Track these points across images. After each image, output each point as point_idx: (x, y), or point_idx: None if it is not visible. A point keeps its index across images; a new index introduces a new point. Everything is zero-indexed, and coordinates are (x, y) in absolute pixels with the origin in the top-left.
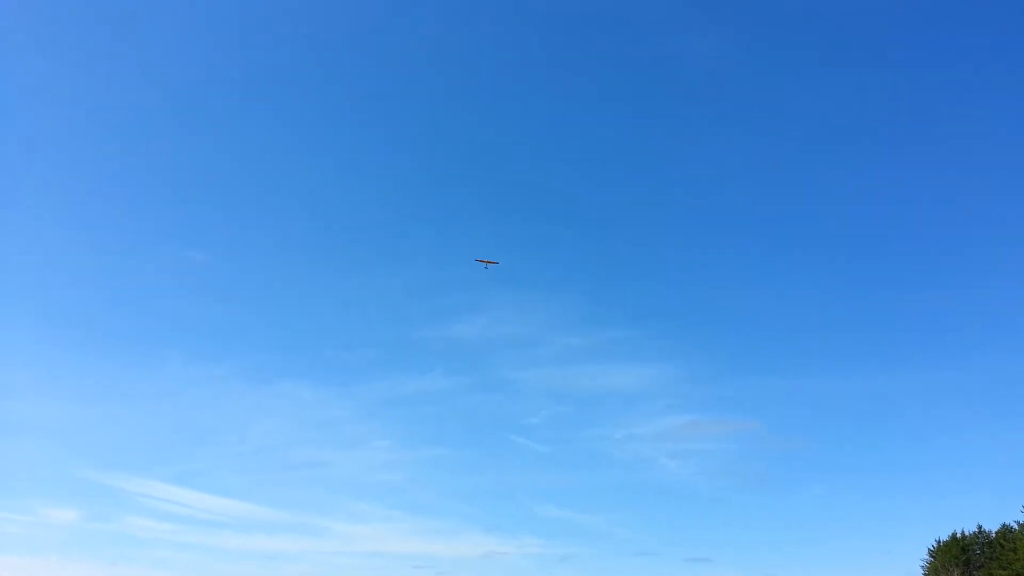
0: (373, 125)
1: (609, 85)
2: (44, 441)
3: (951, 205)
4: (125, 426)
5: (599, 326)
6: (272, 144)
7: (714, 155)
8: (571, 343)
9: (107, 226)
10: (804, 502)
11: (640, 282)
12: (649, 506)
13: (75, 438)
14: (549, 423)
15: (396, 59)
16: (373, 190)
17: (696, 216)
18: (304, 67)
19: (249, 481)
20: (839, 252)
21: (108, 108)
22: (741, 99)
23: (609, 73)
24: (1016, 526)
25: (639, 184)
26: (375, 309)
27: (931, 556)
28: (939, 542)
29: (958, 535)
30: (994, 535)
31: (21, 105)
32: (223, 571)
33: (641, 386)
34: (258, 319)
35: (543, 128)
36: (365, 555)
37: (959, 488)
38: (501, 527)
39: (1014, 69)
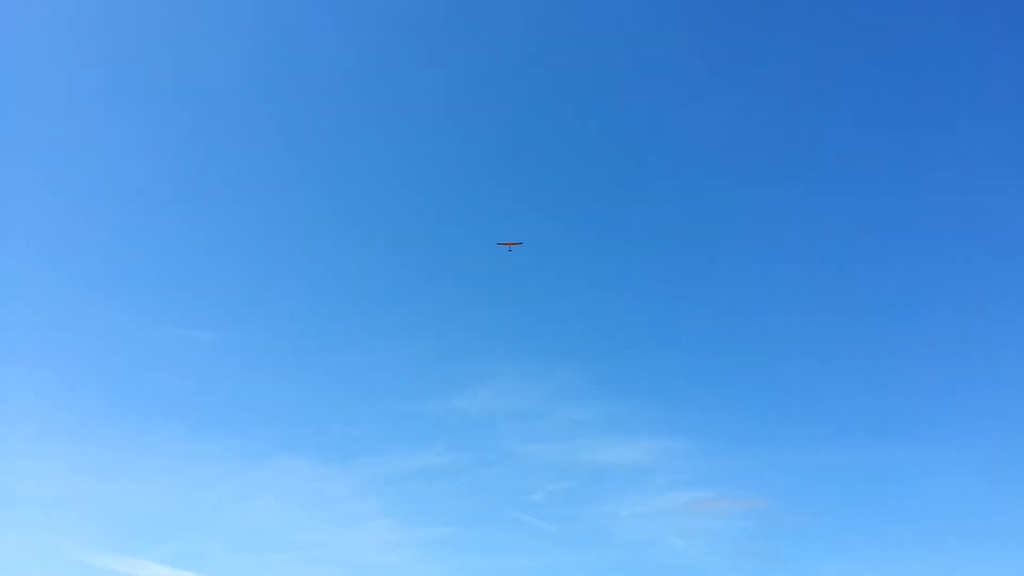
0: (373, 205)
1: (610, 153)
2: (36, 518)
3: (963, 272)
4: (119, 503)
5: (604, 398)
6: (278, 223)
7: (719, 222)
8: (575, 416)
9: (117, 306)
10: None
11: (644, 353)
12: None
13: (67, 515)
14: (553, 499)
15: (402, 135)
16: (376, 259)
17: (702, 287)
18: (307, 139)
19: (245, 562)
20: (848, 320)
21: (122, 191)
22: (746, 165)
23: (608, 143)
24: None
25: (643, 255)
26: (378, 381)
27: None
28: None
29: None
30: None
31: (37, 179)
32: None
33: (647, 460)
34: (260, 394)
35: (544, 195)
36: None
37: (981, 564)
38: None
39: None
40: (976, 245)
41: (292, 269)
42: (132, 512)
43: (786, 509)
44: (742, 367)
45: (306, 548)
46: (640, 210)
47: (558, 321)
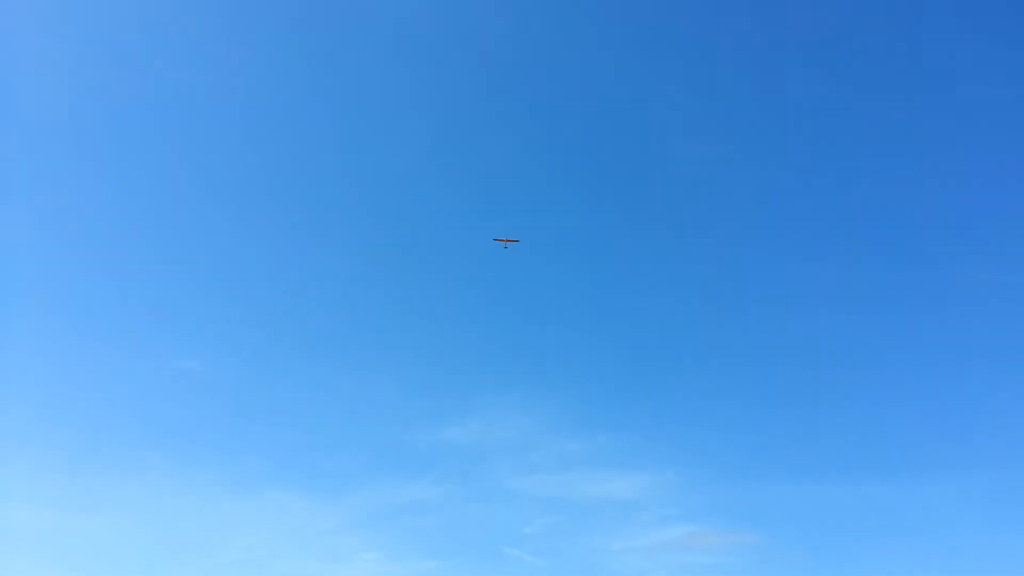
0: (363, 235)
1: (603, 183)
2: (20, 550)
3: (953, 315)
4: (103, 535)
5: (595, 430)
6: (269, 252)
7: (713, 256)
8: (567, 448)
9: (107, 335)
10: None
11: (636, 385)
12: None
13: (51, 547)
14: (544, 533)
15: (394, 169)
16: (366, 286)
17: (695, 321)
18: (296, 167)
19: None
20: (841, 359)
21: (109, 218)
22: (737, 206)
23: (600, 179)
24: None
25: (636, 289)
26: (367, 411)
27: None
28: None
29: None
30: None
31: (33, 209)
32: None
33: (638, 494)
34: (248, 425)
35: (540, 227)
36: None
37: None
38: None
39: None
40: (967, 305)
41: (282, 299)
42: (116, 544)
43: (779, 544)
44: (735, 401)
45: None
46: (632, 244)
47: (550, 352)
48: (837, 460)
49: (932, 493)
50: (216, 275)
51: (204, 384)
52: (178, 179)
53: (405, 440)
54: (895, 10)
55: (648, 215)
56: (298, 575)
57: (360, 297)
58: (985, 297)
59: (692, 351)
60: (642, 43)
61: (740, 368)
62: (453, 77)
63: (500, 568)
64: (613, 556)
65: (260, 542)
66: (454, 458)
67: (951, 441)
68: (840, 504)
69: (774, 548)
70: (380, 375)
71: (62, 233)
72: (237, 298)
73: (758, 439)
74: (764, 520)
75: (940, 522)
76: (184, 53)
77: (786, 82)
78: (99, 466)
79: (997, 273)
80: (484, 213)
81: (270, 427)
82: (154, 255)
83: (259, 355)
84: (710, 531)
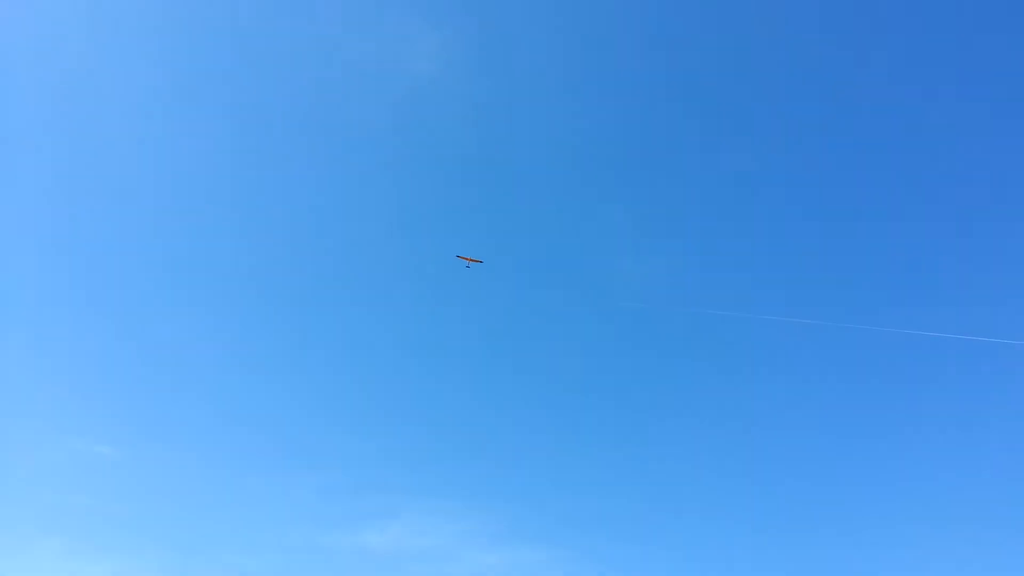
0: (285, 324)
1: (540, 297)
2: None
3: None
4: None
5: (519, 543)
6: (187, 340)
7: (649, 367)
8: (486, 561)
9: (21, 415)
10: None
11: (563, 498)
12: None
13: None
14: None
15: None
16: (286, 385)
17: (629, 434)
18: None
19: None
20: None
21: (23, 291)
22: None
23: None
24: None
25: (571, 399)
26: (283, 510)
27: None
28: None
29: None
30: None
31: None
32: None
33: None
34: (155, 517)
35: (467, 344)
36: None
37: None
38: None
39: None
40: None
41: (203, 387)
42: None
43: None
44: (671, 518)
45: None
46: (567, 360)
47: (477, 458)
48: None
49: None
50: (137, 357)
51: (114, 471)
52: (92, 240)
53: (323, 541)
54: None
55: (585, 326)
56: None
57: (280, 392)
58: None
59: (626, 466)
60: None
61: (675, 488)
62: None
63: None
64: None
65: None
66: (372, 563)
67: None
68: None
69: None
70: (300, 471)
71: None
72: (156, 384)
73: (692, 560)
74: None
75: None
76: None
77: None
78: None
79: None
80: (411, 324)
81: (178, 521)
82: (67, 334)
83: (174, 445)
84: None
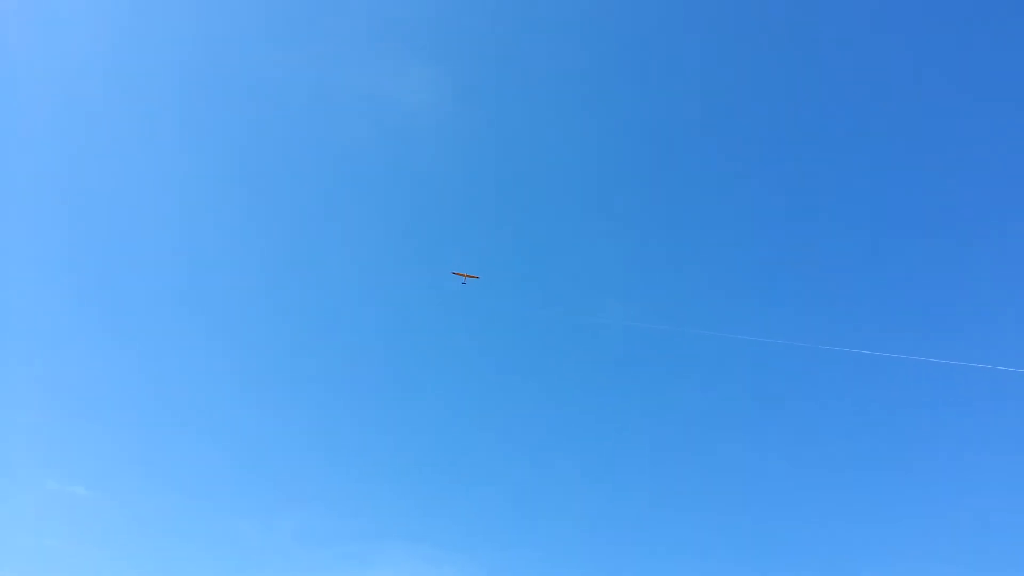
0: (267, 365)
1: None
2: None
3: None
4: None
5: None
6: (163, 380)
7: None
8: None
9: None
10: None
11: (549, 542)
12: None
13: None
14: None
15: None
16: (264, 426)
17: (614, 486)
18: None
19: None
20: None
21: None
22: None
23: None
24: None
25: (555, 454)
26: (259, 556)
27: None
28: None
29: None
30: None
31: None
32: None
33: None
34: (131, 559)
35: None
36: None
37: None
38: None
39: None
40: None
41: (179, 427)
42: None
43: None
44: (659, 560)
45: None
46: (546, 406)
47: (459, 504)
48: None
49: None
50: (111, 398)
51: (89, 512)
52: (67, 301)
53: None
54: None
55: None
56: None
57: (259, 432)
58: None
59: (607, 522)
60: None
61: (659, 528)
62: None
63: None
64: None
65: None
66: None
67: None
68: None
69: None
70: (282, 514)
71: None
72: (132, 424)
73: None
74: None
75: None
76: None
77: None
78: None
79: None
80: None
81: (154, 565)
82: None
83: (150, 486)
84: None
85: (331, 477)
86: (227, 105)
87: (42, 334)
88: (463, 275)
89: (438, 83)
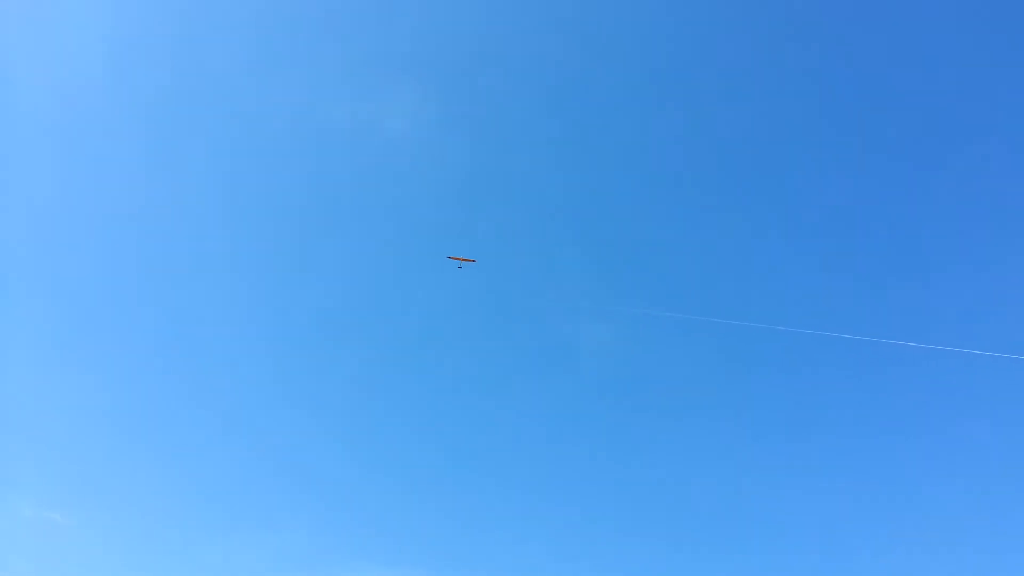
0: (246, 385)
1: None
2: None
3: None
4: None
5: None
6: (139, 404)
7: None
8: None
9: None
10: None
11: (532, 564)
12: None
13: None
14: None
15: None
16: (239, 448)
17: (604, 501)
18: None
19: None
20: None
21: None
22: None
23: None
24: None
25: (538, 465)
26: None
27: None
28: None
29: None
30: None
31: None
32: None
33: None
34: None
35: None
36: None
37: None
38: None
39: None
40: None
41: (156, 452)
42: None
43: None
44: None
45: None
46: (530, 426)
47: (440, 525)
48: None
49: None
50: (87, 423)
51: (65, 539)
52: (39, 328)
53: None
54: None
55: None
56: None
57: (234, 454)
58: None
59: (596, 539)
60: None
61: (660, 546)
62: None
63: None
64: None
65: None
66: None
67: None
68: None
69: None
70: (257, 536)
71: None
72: (108, 449)
73: None
74: None
75: None
76: None
77: None
78: None
79: None
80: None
81: None
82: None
83: (127, 511)
84: None
85: (309, 497)
86: (210, 131)
87: (16, 357)
88: (459, 259)
89: (422, 109)
